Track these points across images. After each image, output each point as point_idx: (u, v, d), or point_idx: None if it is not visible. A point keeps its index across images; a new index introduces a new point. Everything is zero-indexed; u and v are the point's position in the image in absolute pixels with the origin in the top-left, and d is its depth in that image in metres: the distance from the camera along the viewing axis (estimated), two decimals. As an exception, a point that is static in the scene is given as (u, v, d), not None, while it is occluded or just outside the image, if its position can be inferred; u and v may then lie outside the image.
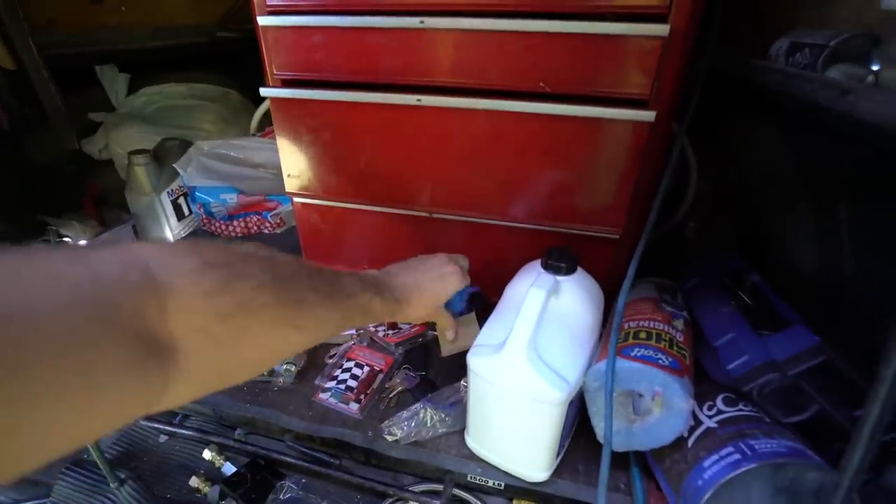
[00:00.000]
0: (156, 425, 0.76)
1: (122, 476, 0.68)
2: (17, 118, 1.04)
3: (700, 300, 0.66)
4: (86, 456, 0.71)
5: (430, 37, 0.61)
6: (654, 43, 0.54)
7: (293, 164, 0.77)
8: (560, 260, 0.55)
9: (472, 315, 0.75)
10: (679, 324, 0.61)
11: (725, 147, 0.95)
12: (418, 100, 0.63)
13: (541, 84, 0.60)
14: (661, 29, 0.53)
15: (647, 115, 0.56)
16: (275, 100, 0.72)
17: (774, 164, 0.80)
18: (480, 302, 0.73)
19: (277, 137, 0.75)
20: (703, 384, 0.59)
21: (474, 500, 0.66)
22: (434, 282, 0.54)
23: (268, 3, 0.67)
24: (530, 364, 0.48)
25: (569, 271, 0.55)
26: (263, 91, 0.71)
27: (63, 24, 1.23)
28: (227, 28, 1.76)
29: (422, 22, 0.59)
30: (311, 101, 0.70)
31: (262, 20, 0.68)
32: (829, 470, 0.46)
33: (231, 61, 1.75)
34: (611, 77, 0.57)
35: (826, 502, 0.47)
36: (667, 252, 0.98)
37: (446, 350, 0.74)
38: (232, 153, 1.13)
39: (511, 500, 0.68)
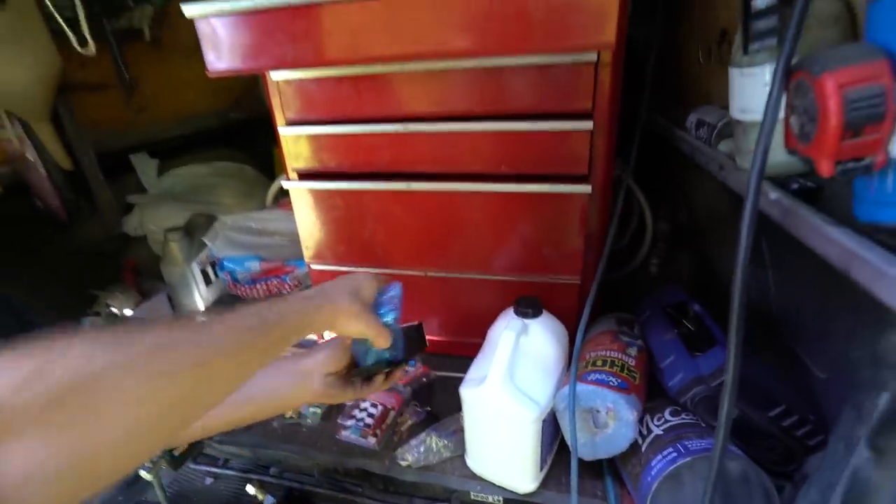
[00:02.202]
0: (202, 468, 0.88)
1: None
2: (72, 209, 1.23)
3: (651, 329, 0.80)
4: (146, 498, 0.83)
5: (412, 138, 0.78)
6: (584, 134, 0.70)
7: (309, 237, 0.93)
8: (527, 307, 0.69)
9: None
10: (633, 351, 0.74)
11: (674, 190, 1.11)
12: (407, 185, 0.80)
13: (502, 167, 0.76)
14: (587, 124, 0.69)
15: (586, 188, 0.72)
16: (292, 190, 0.89)
17: (709, 203, 0.95)
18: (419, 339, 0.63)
19: (296, 217, 0.91)
20: (656, 400, 0.72)
21: (478, 514, 0.77)
22: (347, 279, 0.55)
23: (286, 116, 0.85)
24: (506, 391, 0.62)
25: (535, 315, 0.69)
26: (284, 184, 0.88)
27: (105, 124, 1.44)
28: (238, 110, 1.99)
29: (405, 127, 0.77)
30: (321, 190, 0.87)
31: (282, 130, 0.85)
32: (746, 459, 0.58)
33: (243, 138, 1.97)
34: (555, 160, 0.74)
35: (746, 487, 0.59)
36: (634, 288, 1.12)
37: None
38: (252, 225, 1.31)
39: (510, 513, 0.79)
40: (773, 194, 0.47)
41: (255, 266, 1.22)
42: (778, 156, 0.43)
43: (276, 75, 0.81)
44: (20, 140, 1.13)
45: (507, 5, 0.54)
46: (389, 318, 0.56)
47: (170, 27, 1.54)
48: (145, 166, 1.61)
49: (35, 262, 1.19)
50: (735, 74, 0.52)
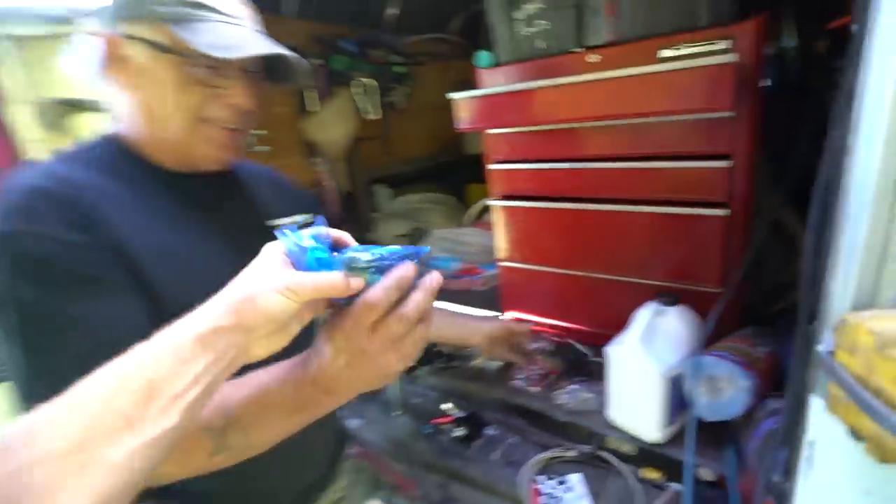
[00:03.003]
0: (413, 388, 1.29)
1: (398, 413, 1.21)
2: (343, 219, 1.87)
3: (786, 339, 0.92)
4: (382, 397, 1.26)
5: (584, 171, 1.08)
6: (724, 171, 0.91)
7: (502, 242, 1.30)
8: (664, 296, 0.91)
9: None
10: (762, 350, 0.89)
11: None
12: (578, 206, 1.10)
13: (656, 194, 1.01)
14: (727, 163, 0.90)
15: (725, 212, 0.92)
16: (494, 207, 1.28)
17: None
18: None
19: (494, 226, 1.29)
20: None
21: (613, 459, 0.98)
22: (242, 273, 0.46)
23: (492, 157, 1.25)
24: (641, 349, 0.85)
25: (671, 304, 0.91)
26: (489, 202, 1.27)
27: (366, 162, 2.11)
28: (445, 155, 2.58)
29: (580, 165, 1.08)
30: (516, 207, 1.23)
31: (490, 166, 1.25)
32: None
33: (446, 175, 2.53)
34: (701, 189, 0.95)
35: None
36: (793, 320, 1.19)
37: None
38: (455, 237, 1.76)
39: (640, 468, 0.98)
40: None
41: (455, 266, 1.66)
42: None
43: (491, 130, 1.22)
44: (326, 172, 1.81)
45: (648, 84, 0.82)
46: (317, 258, 0.45)
47: (409, 99, 2.18)
48: (382, 193, 2.26)
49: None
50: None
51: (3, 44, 1.12)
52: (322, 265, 0.45)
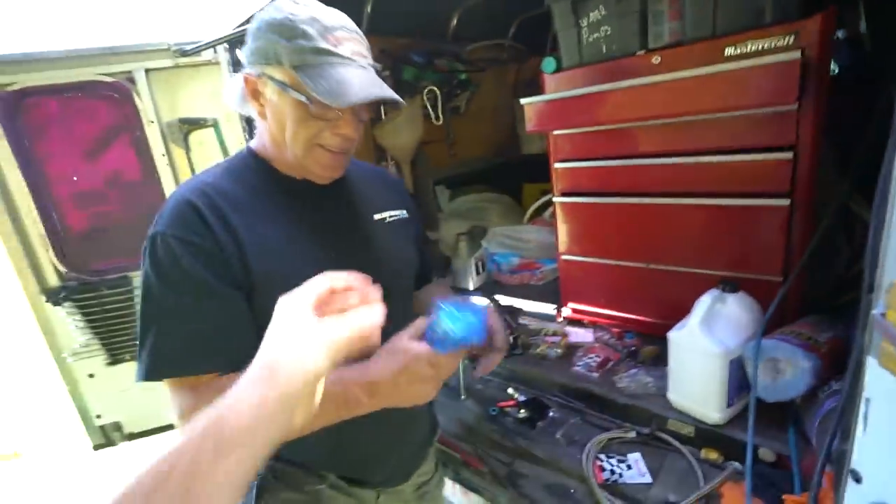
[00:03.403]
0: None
1: (464, 397, 1.31)
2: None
3: (851, 325, 0.93)
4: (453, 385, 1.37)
5: (648, 167, 1.14)
6: (786, 161, 0.94)
7: (564, 235, 1.37)
8: (725, 284, 0.96)
9: None
10: (826, 334, 0.91)
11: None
12: (639, 200, 1.16)
13: (716, 187, 1.05)
14: (789, 155, 0.93)
15: (786, 202, 0.95)
16: (558, 202, 1.35)
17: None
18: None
19: (557, 220, 1.37)
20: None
21: (672, 439, 1.03)
22: (274, 322, 0.48)
23: (556, 156, 1.33)
24: (701, 332, 0.90)
25: (731, 291, 0.95)
26: (554, 199, 1.35)
27: (434, 162, 2.23)
28: (501, 156, 2.67)
29: (639, 162, 1.14)
30: (579, 203, 1.30)
31: (555, 165, 1.33)
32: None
33: (503, 175, 2.62)
34: (763, 181, 0.98)
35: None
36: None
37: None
38: (513, 234, 1.85)
39: (700, 449, 1.02)
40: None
41: (514, 261, 1.74)
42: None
43: (558, 131, 1.30)
44: (394, 175, 1.96)
45: (713, 82, 0.88)
46: (451, 342, 0.61)
47: (471, 103, 2.29)
48: (442, 194, 2.39)
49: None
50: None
51: (139, 75, 1.35)
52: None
